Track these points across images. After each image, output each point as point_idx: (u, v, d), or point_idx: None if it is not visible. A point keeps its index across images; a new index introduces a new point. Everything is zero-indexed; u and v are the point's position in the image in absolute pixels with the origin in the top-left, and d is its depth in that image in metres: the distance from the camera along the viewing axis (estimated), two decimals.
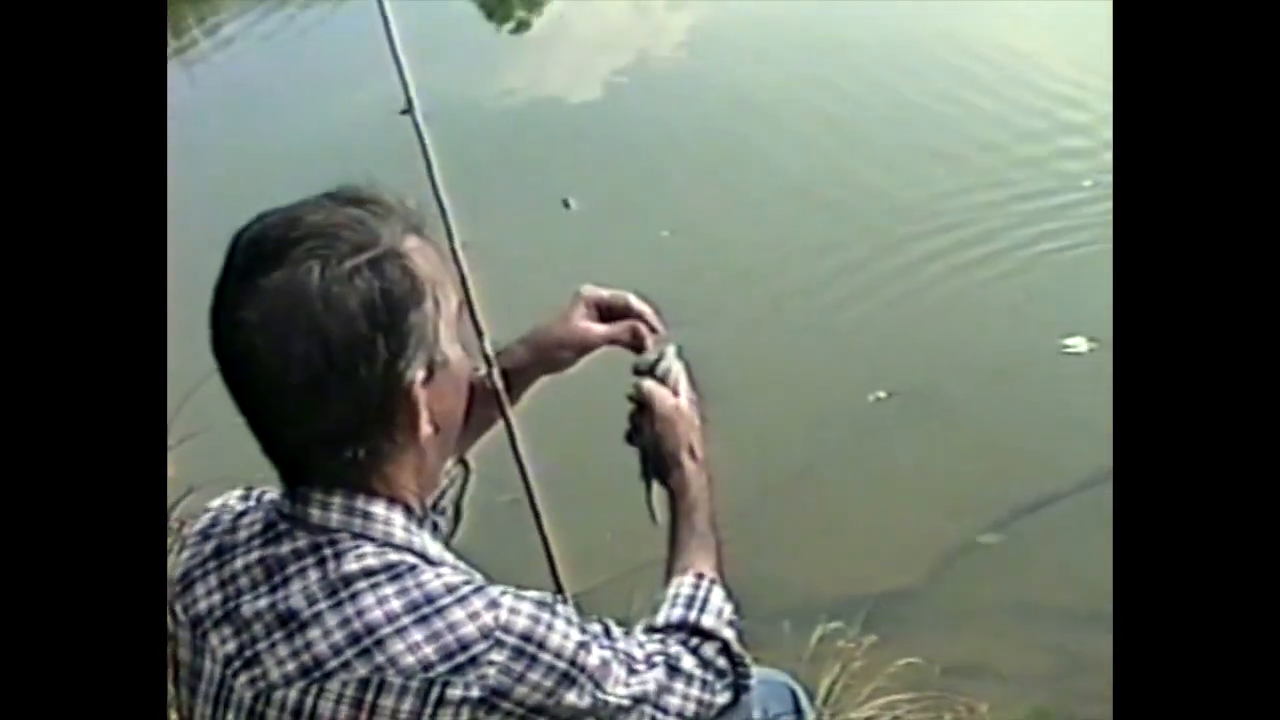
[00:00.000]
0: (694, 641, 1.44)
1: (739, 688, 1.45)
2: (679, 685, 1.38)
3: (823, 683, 2.55)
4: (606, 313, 1.65)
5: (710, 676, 1.42)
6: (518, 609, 1.22)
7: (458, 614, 1.20)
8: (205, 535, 1.35)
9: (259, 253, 1.19)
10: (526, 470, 1.59)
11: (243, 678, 1.25)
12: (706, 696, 1.41)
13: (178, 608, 1.33)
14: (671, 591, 1.49)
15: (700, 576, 1.49)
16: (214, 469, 1.86)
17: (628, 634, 1.37)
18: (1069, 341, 4.24)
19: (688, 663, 1.40)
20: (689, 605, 1.46)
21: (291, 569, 1.24)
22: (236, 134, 6.66)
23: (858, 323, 4.61)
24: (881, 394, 4.00)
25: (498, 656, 1.20)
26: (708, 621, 1.45)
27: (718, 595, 1.48)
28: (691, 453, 1.55)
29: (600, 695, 1.27)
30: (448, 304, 1.26)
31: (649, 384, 1.57)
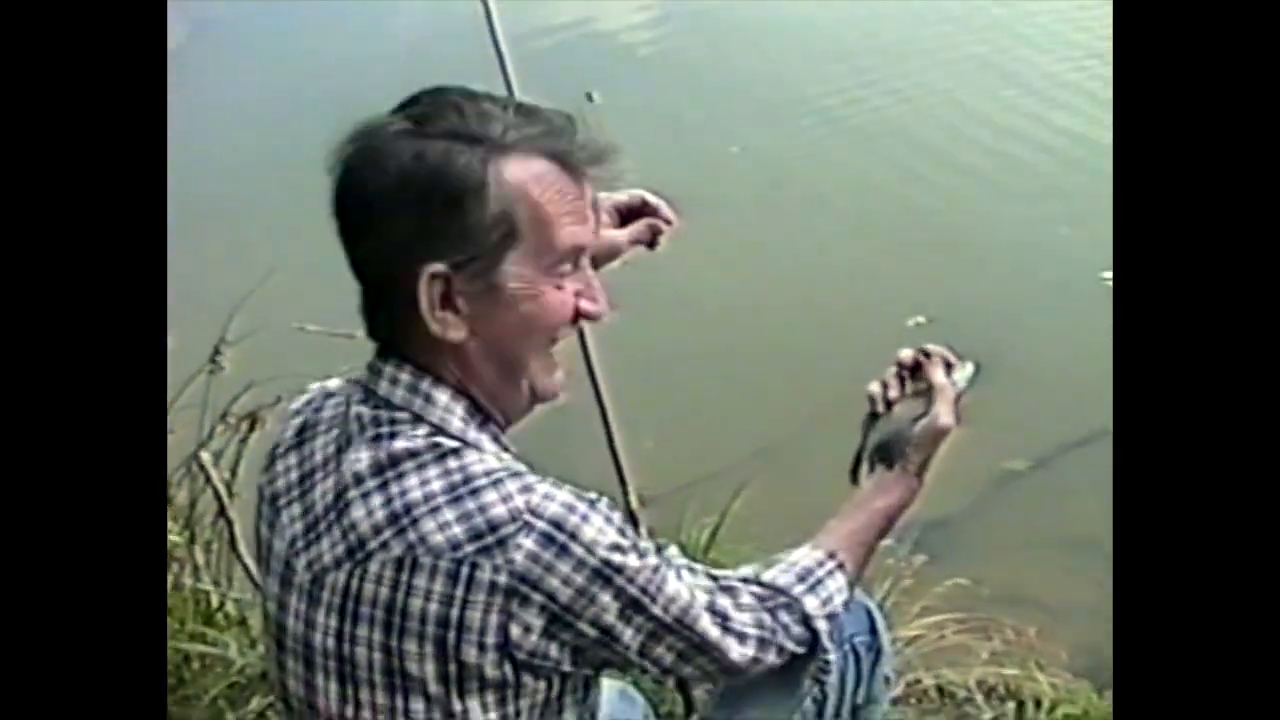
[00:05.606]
0: (777, 601, 1.37)
1: (813, 673, 1.41)
2: (733, 644, 1.31)
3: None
4: (625, 214, 1.66)
5: (784, 642, 1.36)
6: (552, 495, 1.19)
7: (490, 495, 1.17)
8: (296, 413, 1.34)
9: (400, 105, 1.22)
10: (596, 373, 1.58)
11: (302, 559, 1.24)
12: (767, 658, 1.35)
13: (262, 482, 1.32)
14: (794, 557, 1.42)
15: (831, 556, 1.42)
16: (271, 368, 1.85)
17: (693, 572, 1.32)
18: (1107, 275, 4.17)
19: (742, 619, 1.33)
20: (801, 579, 1.39)
21: (356, 444, 1.22)
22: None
23: (898, 250, 4.57)
24: (921, 319, 3.96)
25: (525, 540, 1.16)
26: (810, 604, 1.38)
27: (835, 583, 1.41)
28: (924, 468, 1.51)
29: (640, 607, 1.21)
30: (536, 236, 1.20)
31: (946, 381, 1.53)
